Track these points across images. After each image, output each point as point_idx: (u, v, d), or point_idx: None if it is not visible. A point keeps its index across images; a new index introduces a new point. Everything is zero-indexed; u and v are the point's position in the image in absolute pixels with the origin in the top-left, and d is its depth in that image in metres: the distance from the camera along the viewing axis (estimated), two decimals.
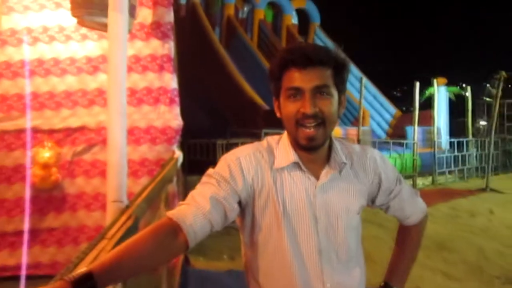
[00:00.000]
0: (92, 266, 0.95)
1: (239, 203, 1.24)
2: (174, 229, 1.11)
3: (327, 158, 1.31)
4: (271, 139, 1.32)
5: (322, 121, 1.21)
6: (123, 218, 1.41)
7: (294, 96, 1.21)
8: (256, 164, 1.26)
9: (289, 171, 1.27)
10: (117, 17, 1.58)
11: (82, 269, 0.93)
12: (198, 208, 1.16)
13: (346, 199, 1.31)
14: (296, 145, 1.27)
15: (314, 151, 1.27)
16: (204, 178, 1.24)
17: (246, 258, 1.32)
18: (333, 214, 1.29)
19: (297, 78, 1.20)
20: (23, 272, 3.62)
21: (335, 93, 1.24)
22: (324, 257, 1.27)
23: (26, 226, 3.16)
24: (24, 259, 3.41)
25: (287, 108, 1.22)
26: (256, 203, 1.25)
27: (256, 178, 1.25)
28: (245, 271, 1.34)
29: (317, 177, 1.28)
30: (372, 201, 1.41)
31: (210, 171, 1.25)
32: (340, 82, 1.25)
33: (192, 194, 1.20)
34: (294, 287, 1.24)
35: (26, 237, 3.40)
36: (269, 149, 1.30)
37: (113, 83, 1.61)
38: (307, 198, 1.26)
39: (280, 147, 1.30)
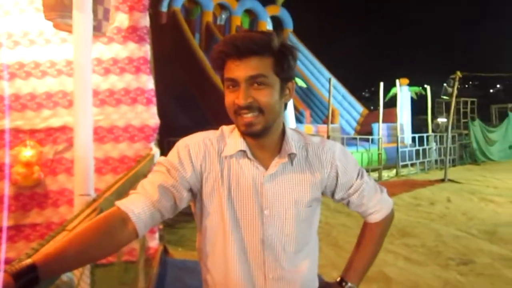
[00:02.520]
0: (35, 257, 0.88)
1: (191, 190, 1.18)
2: (123, 218, 1.05)
3: (279, 149, 1.22)
4: (226, 128, 1.26)
5: (260, 111, 1.12)
6: (88, 210, 1.35)
7: (233, 86, 1.14)
8: (204, 150, 1.19)
9: (238, 159, 1.19)
10: (80, 16, 1.52)
11: (25, 260, 0.87)
12: (147, 197, 1.10)
13: (296, 190, 1.21)
14: (241, 132, 1.20)
15: (259, 138, 1.18)
16: (155, 167, 1.19)
17: (198, 244, 1.28)
18: (281, 205, 1.19)
19: (233, 69, 1.12)
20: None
21: (275, 81, 1.13)
22: (267, 248, 1.18)
23: (4, 222, 3.06)
24: (3, 255, 3.30)
25: (227, 98, 1.16)
26: (203, 189, 1.18)
27: (204, 164, 1.18)
28: (198, 256, 1.29)
29: (266, 167, 1.20)
30: (331, 194, 1.31)
31: (161, 159, 1.20)
32: (282, 70, 1.14)
33: (142, 182, 1.15)
34: (234, 275, 1.18)
35: (4, 233, 3.30)
36: (221, 137, 1.23)
37: (78, 82, 1.55)
38: (254, 187, 1.18)
39: (232, 135, 1.22)
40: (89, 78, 1.55)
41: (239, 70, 1.11)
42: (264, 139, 1.20)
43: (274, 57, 1.13)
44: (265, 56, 1.12)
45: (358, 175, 1.31)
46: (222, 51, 1.12)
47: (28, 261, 0.87)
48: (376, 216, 1.36)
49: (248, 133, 1.15)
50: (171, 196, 1.13)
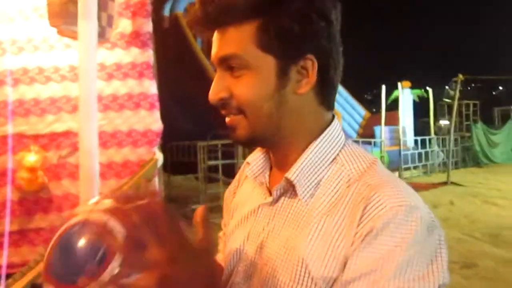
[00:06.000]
0: None
1: None
2: None
3: None
4: None
5: (239, 111, 0.74)
6: None
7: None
8: (239, 175, 0.97)
9: (249, 179, 0.88)
10: (85, 25, 1.55)
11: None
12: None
13: (297, 244, 0.71)
14: None
15: (271, 150, 0.82)
16: None
17: None
18: (265, 257, 0.75)
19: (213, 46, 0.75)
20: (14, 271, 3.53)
21: (264, 62, 0.71)
22: None
23: (7, 227, 3.08)
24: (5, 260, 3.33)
25: None
26: None
27: (236, 192, 0.95)
28: None
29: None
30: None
31: None
32: (275, 39, 0.70)
33: None
34: None
35: (6, 238, 3.32)
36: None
37: (83, 89, 1.58)
38: (249, 216, 0.82)
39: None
40: (95, 85, 1.58)
41: (214, 47, 0.74)
42: (276, 152, 0.80)
43: (260, 21, 0.70)
44: (246, 22, 0.70)
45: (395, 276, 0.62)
46: (193, 20, 0.74)
47: None
48: None
49: (234, 141, 0.80)
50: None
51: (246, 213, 0.83)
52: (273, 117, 0.73)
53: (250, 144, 0.80)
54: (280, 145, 0.78)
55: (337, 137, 0.77)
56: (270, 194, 0.79)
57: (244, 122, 0.74)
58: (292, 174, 0.73)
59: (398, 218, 0.65)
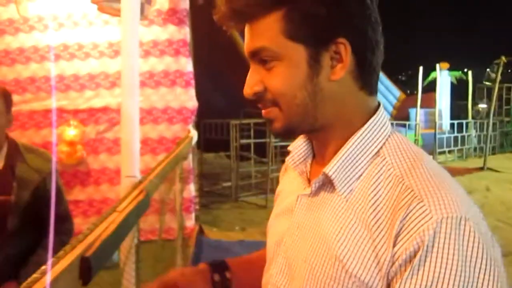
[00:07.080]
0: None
1: None
2: None
3: None
4: None
5: (273, 103, 0.72)
6: (135, 192, 1.39)
7: None
8: (285, 165, 0.94)
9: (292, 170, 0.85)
10: (129, 1, 1.56)
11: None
12: None
13: (335, 241, 0.68)
14: None
15: (313, 139, 0.80)
16: None
17: None
18: (303, 252, 0.73)
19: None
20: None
21: (293, 51, 0.68)
22: None
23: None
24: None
25: None
26: None
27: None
28: None
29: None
30: None
31: None
32: (302, 26, 0.67)
33: None
34: None
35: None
36: None
37: (126, 65, 1.60)
38: (288, 208, 0.80)
39: None
40: (137, 61, 1.60)
41: (245, 41, 0.73)
42: (317, 142, 0.78)
43: (285, 10, 0.67)
44: (271, 12, 0.68)
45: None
46: (221, 17, 0.71)
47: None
48: None
49: (273, 134, 0.78)
50: None
51: (288, 203, 0.80)
52: (307, 107, 0.70)
53: (288, 136, 0.77)
54: (321, 135, 0.75)
55: (381, 127, 0.72)
56: (310, 184, 0.76)
57: (279, 114, 0.72)
58: (330, 169, 0.70)
59: (442, 234, 0.58)
